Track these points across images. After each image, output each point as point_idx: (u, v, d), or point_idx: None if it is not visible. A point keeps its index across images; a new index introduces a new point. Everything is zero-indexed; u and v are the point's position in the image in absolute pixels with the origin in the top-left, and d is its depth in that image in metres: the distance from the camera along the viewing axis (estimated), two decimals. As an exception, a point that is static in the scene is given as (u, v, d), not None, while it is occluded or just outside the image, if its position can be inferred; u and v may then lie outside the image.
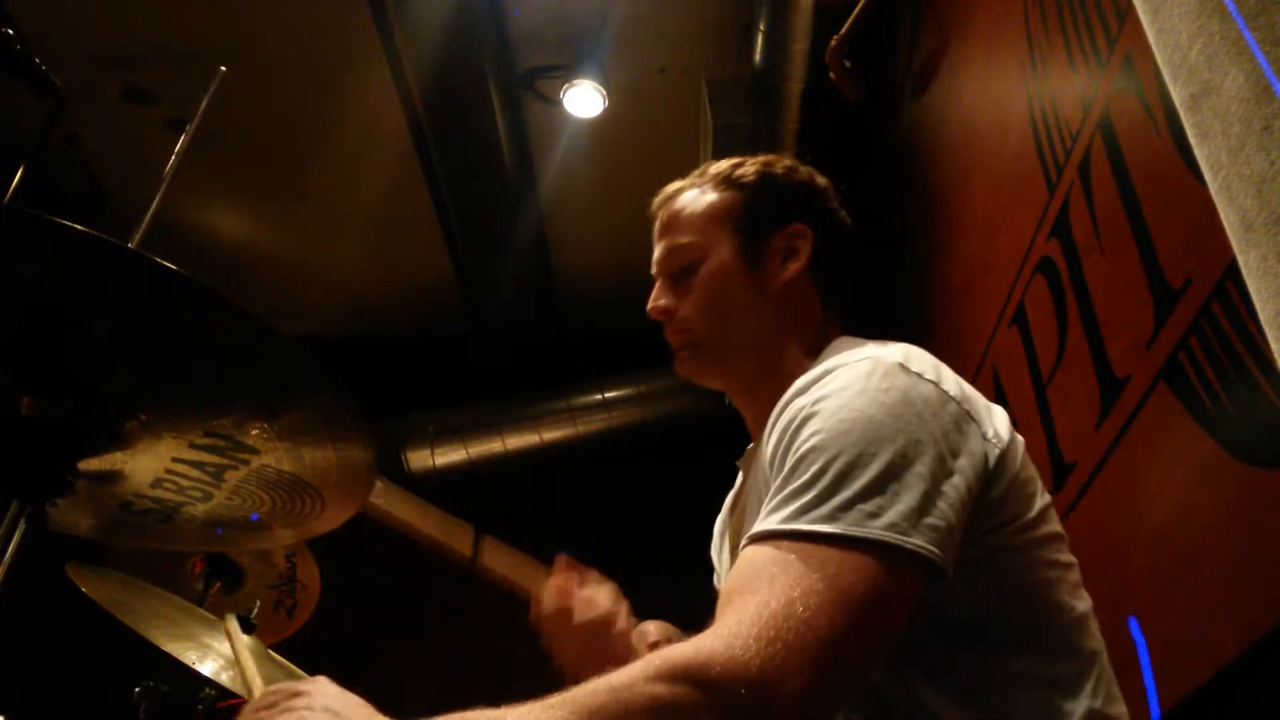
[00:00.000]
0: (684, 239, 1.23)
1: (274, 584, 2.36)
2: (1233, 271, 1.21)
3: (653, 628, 1.27)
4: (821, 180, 1.30)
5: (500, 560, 1.28)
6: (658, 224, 1.29)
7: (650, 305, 1.24)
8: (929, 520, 0.88)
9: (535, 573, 1.28)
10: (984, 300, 2.34)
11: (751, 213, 1.23)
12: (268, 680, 1.77)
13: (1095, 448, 1.64)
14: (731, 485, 1.37)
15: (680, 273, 1.22)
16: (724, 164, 1.28)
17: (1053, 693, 0.95)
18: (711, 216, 1.23)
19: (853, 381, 0.98)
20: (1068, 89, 1.84)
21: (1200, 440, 1.30)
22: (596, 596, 1.24)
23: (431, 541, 1.29)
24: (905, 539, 0.86)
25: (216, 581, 2.29)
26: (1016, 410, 2.05)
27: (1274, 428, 1.14)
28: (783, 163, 1.29)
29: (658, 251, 1.27)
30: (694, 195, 1.26)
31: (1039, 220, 1.96)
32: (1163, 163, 1.42)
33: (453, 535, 1.31)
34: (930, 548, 0.87)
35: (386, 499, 1.29)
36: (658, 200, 1.30)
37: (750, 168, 1.27)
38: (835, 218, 1.29)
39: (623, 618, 1.24)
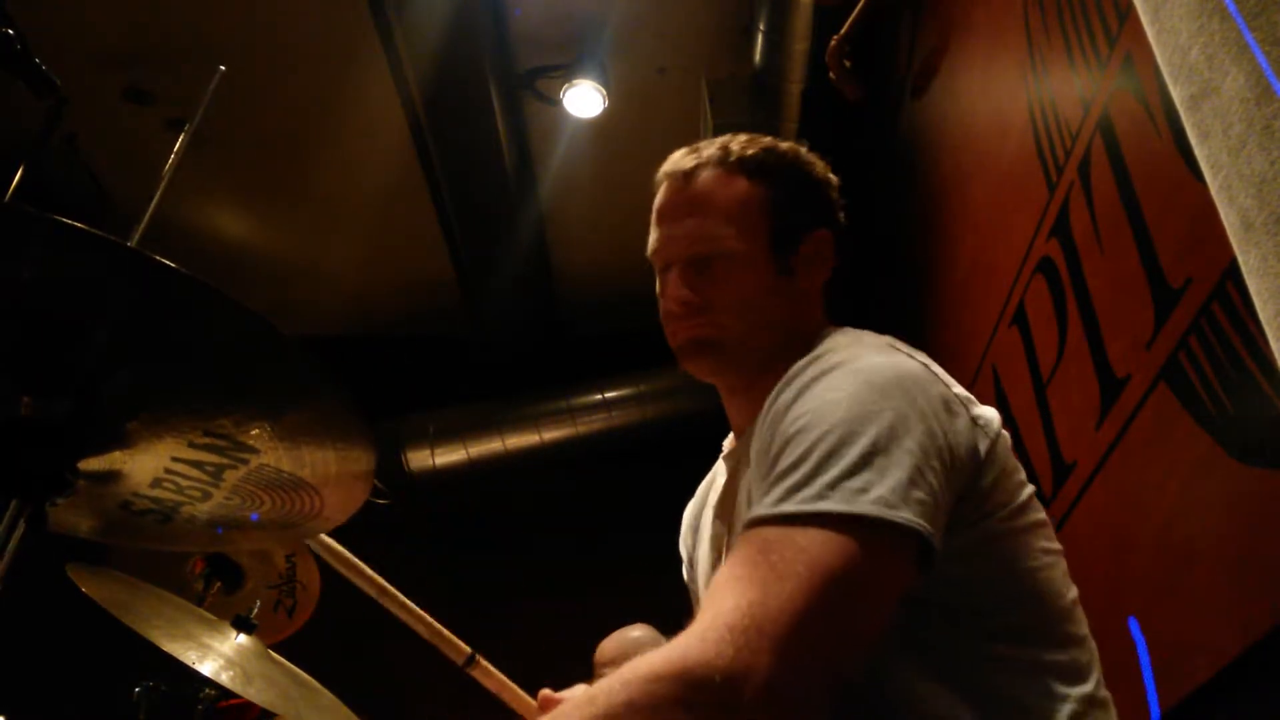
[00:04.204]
0: (722, 230, 1.13)
1: (274, 584, 2.36)
2: (1233, 271, 1.21)
3: (610, 647, 1.23)
4: (835, 178, 1.25)
5: (491, 679, 1.24)
6: (671, 200, 1.18)
7: (673, 297, 1.14)
8: (917, 494, 0.87)
9: (523, 702, 1.24)
10: (984, 300, 2.34)
11: (785, 213, 1.16)
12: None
13: (1095, 448, 1.64)
14: (704, 476, 1.37)
15: (701, 261, 1.13)
16: (750, 146, 1.18)
17: (1050, 679, 0.95)
18: (746, 209, 1.14)
19: (841, 363, 0.98)
20: (1068, 89, 1.84)
21: (1200, 440, 1.30)
22: None
23: (433, 632, 1.26)
24: (894, 512, 0.85)
25: (216, 581, 2.29)
26: (1016, 410, 2.05)
27: (1274, 428, 1.14)
28: (808, 155, 1.22)
29: (674, 231, 1.16)
30: (719, 177, 1.15)
31: (1039, 220, 1.96)
32: (1163, 163, 1.42)
33: (451, 640, 1.29)
34: (919, 520, 0.86)
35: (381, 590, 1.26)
36: (669, 171, 1.19)
37: (782, 157, 1.18)
38: (842, 219, 1.25)
39: None
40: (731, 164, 1.16)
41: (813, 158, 1.23)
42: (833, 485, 0.87)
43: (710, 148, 1.18)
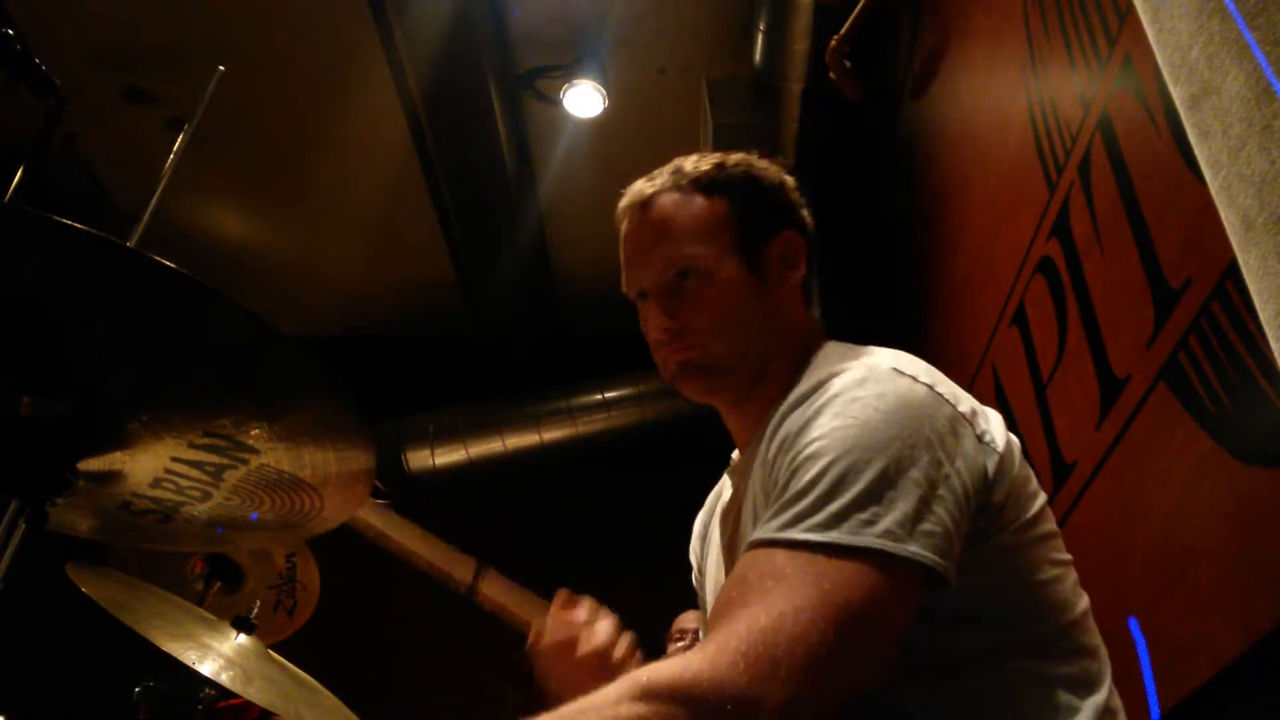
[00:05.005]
0: (689, 250, 1.14)
1: (274, 584, 2.36)
2: (1233, 271, 1.21)
3: (692, 616, 1.25)
4: (790, 178, 1.26)
5: (499, 591, 1.25)
6: (634, 232, 1.20)
7: (655, 325, 1.15)
8: (925, 526, 0.88)
9: (534, 607, 1.24)
10: (984, 300, 2.34)
11: (748, 221, 1.17)
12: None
13: (1095, 448, 1.64)
14: (713, 485, 1.37)
15: (675, 284, 1.15)
16: (701, 164, 1.20)
17: (1062, 690, 0.95)
18: (707, 224, 1.16)
19: (847, 389, 0.98)
20: (1068, 89, 1.84)
21: (1200, 440, 1.30)
22: (598, 628, 1.15)
23: (429, 565, 1.26)
24: (901, 546, 0.86)
25: (217, 581, 2.29)
26: (1016, 410, 2.05)
27: (1274, 428, 1.14)
28: (759, 162, 1.23)
29: (643, 261, 1.18)
30: (678, 199, 1.17)
31: (1039, 220, 1.96)
32: (1163, 163, 1.42)
33: (453, 564, 1.29)
34: (927, 554, 0.87)
35: (384, 520, 1.26)
36: (629, 204, 1.21)
37: (734, 170, 1.20)
38: (808, 219, 1.25)
39: (623, 648, 1.15)
40: (685, 185, 1.18)
41: (765, 164, 1.24)
42: (840, 516, 0.87)
43: (663, 174, 1.21)
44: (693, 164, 1.20)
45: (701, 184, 1.18)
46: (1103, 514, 1.62)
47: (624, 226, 1.22)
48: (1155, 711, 1.36)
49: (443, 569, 1.15)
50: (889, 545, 0.86)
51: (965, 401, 1.01)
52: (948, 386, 1.02)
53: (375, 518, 1.15)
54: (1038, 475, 1.91)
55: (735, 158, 1.22)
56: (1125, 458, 1.54)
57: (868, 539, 0.86)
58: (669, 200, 1.18)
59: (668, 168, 1.22)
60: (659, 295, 1.16)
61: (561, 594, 1.19)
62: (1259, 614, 1.14)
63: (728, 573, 1.17)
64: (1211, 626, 1.25)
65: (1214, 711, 1.28)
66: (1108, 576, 1.53)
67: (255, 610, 1.94)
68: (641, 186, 1.21)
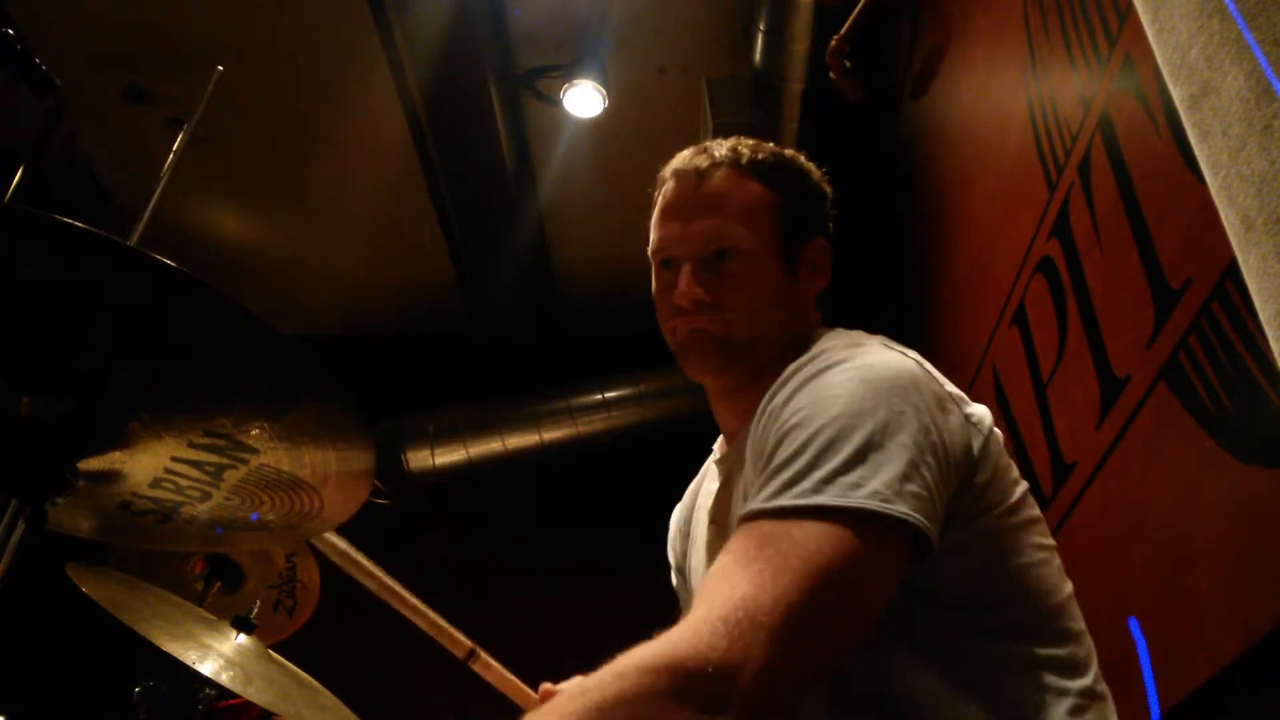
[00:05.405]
0: (738, 230, 1.14)
1: (274, 584, 2.36)
2: (1233, 271, 1.21)
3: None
4: (830, 189, 1.27)
5: (492, 673, 1.24)
6: (682, 198, 1.17)
7: (684, 293, 1.13)
8: (912, 488, 0.88)
9: (524, 694, 1.24)
10: (984, 300, 2.34)
11: (794, 220, 1.18)
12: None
13: (1095, 448, 1.64)
14: (693, 478, 1.37)
15: (714, 260, 1.14)
16: (759, 150, 1.19)
17: (1049, 674, 0.95)
18: (759, 212, 1.16)
19: (835, 361, 0.99)
20: (1068, 89, 1.84)
21: (1200, 440, 1.30)
22: None
23: (434, 626, 1.26)
24: (889, 506, 0.86)
25: (217, 581, 2.29)
26: (1016, 410, 2.05)
27: (1274, 428, 1.14)
28: (807, 162, 1.25)
29: (687, 229, 1.15)
30: (732, 178, 1.16)
31: (1039, 220, 1.96)
32: (1163, 163, 1.42)
33: (452, 634, 1.29)
34: (914, 514, 0.87)
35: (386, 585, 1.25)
36: (680, 169, 1.19)
37: (790, 163, 1.21)
38: (832, 230, 1.27)
39: None
40: (744, 166, 1.17)
41: (812, 166, 1.25)
42: (828, 479, 0.88)
43: (720, 149, 1.19)
44: (750, 148, 1.20)
45: (759, 169, 1.18)
46: (1103, 514, 1.62)
47: (668, 189, 1.20)
48: (1155, 711, 1.36)
49: (446, 630, 1.16)
50: (877, 505, 0.86)
51: (951, 386, 1.03)
52: (935, 370, 1.03)
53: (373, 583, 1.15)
54: (1037, 475, 1.92)
55: (790, 152, 1.23)
56: (1125, 458, 1.54)
57: (856, 499, 0.86)
58: (724, 176, 1.17)
59: (724, 143, 1.20)
60: (696, 265, 1.14)
61: (544, 689, 1.18)
62: (1259, 614, 1.14)
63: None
64: (1211, 626, 1.25)
65: (1214, 711, 1.28)
66: (1108, 576, 1.53)
67: (255, 610, 1.94)
68: (694, 156, 1.20)
